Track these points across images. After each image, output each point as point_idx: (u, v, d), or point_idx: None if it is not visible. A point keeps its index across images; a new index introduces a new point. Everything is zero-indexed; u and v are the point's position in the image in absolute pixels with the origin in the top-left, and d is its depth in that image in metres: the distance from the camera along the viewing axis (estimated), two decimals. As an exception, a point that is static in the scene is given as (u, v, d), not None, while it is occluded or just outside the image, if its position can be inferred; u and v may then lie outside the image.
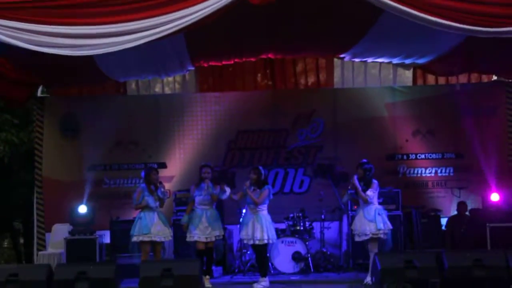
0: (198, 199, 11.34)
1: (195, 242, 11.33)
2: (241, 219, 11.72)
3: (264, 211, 11.34)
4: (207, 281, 11.12)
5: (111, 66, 12.72)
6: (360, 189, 11.28)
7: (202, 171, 11.52)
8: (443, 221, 13.47)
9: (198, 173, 11.75)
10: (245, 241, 11.68)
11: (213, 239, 11.30)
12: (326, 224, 13.59)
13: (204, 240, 11.24)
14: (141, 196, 11.29)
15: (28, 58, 10.81)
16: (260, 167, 11.76)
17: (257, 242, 11.19)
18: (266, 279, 11.21)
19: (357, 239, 11.48)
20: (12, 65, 11.66)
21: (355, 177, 11.37)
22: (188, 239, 11.39)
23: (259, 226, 11.21)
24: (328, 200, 13.60)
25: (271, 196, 11.46)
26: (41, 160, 14.24)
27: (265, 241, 11.21)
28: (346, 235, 13.43)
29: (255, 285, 11.10)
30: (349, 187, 11.66)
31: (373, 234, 11.20)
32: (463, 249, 11.39)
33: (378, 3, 9.43)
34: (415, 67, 14.80)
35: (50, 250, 13.03)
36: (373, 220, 11.17)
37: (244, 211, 11.95)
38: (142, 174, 11.78)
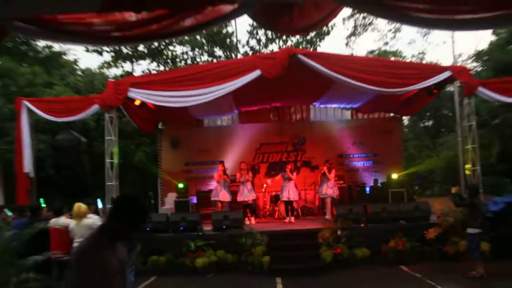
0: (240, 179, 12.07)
1: (243, 201, 11.83)
2: (282, 187, 11.99)
3: (293, 183, 11.94)
4: (251, 220, 11.73)
5: (195, 111, 13.25)
6: (328, 174, 12.00)
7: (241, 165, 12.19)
8: (367, 189, 14.01)
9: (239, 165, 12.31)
10: (282, 199, 11.98)
11: (250, 198, 11.93)
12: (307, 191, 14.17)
13: (247, 199, 11.82)
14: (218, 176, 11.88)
15: (155, 108, 11.76)
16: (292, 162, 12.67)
17: (291, 199, 11.85)
18: (293, 217, 11.88)
19: (323, 197, 12.14)
20: (145, 112, 12.39)
21: (325, 168, 12.09)
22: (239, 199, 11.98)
23: (292, 191, 11.77)
24: (309, 181, 14.07)
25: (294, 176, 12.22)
26: (161, 160, 14.86)
27: (292, 199, 11.86)
28: (318, 197, 13.55)
29: (287, 219, 11.66)
30: (322, 175, 12.23)
31: (330, 195, 12.00)
32: (377, 203, 11.27)
33: (332, 76, 10.18)
34: (352, 109, 15.26)
35: (166, 206, 13.28)
36: (332, 187, 11.99)
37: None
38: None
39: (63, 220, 7.27)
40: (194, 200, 13.21)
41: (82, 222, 6.91)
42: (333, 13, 3.82)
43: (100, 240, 2.21)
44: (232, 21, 17.97)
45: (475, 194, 8.47)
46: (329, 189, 11.80)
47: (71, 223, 7.09)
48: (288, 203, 11.84)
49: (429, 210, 10.44)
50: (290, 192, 11.67)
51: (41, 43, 17.63)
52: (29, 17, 2.84)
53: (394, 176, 13.28)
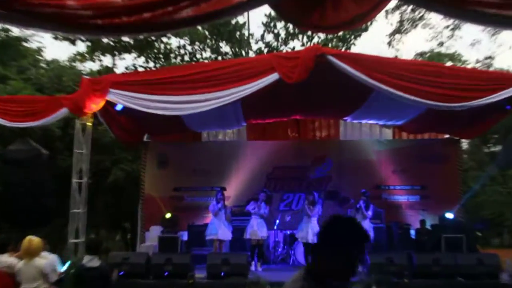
0: (252, 211, 12.03)
1: (249, 239, 11.86)
2: (299, 225, 12.12)
3: (314, 220, 11.77)
4: (259, 265, 11.75)
5: (191, 121, 13.40)
6: (365, 211, 11.93)
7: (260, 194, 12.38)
8: (412, 232, 13.59)
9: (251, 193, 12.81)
10: (299, 239, 12.00)
11: (259, 237, 11.82)
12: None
13: (255, 237, 11.75)
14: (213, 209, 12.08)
15: (138, 115, 11.58)
16: (314, 193, 12.37)
17: (309, 241, 11.54)
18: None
19: None
20: (128, 120, 12.51)
21: (362, 201, 12.04)
22: (244, 236, 11.97)
23: (312, 231, 11.50)
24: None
25: (320, 212, 11.87)
26: (144, 183, 14.76)
27: (310, 242, 11.49)
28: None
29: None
30: (355, 210, 12.20)
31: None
32: (426, 252, 11.30)
33: (370, 84, 9.93)
34: (394, 127, 15.25)
35: (148, 243, 13.10)
36: (369, 228, 11.49)
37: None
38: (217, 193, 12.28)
39: (6, 259, 7.00)
40: (185, 237, 13.13)
41: (33, 262, 6.57)
42: (377, 8, 3.84)
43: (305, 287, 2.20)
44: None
45: None
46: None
47: (18, 263, 6.77)
48: (307, 245, 11.62)
49: (498, 265, 10.10)
50: (309, 232, 11.45)
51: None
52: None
53: (449, 216, 13.01)
